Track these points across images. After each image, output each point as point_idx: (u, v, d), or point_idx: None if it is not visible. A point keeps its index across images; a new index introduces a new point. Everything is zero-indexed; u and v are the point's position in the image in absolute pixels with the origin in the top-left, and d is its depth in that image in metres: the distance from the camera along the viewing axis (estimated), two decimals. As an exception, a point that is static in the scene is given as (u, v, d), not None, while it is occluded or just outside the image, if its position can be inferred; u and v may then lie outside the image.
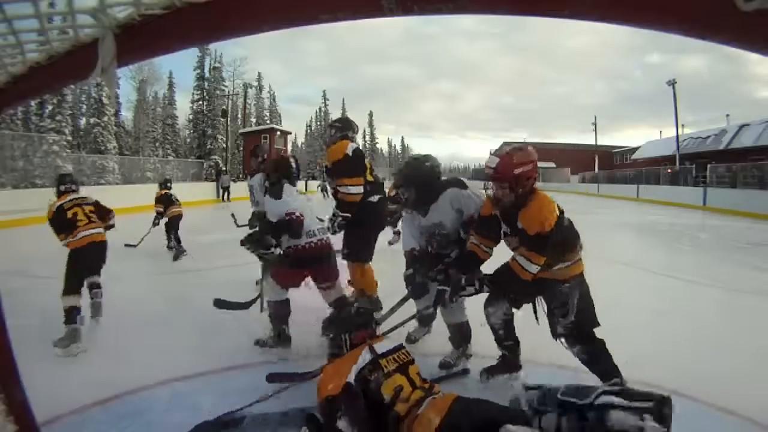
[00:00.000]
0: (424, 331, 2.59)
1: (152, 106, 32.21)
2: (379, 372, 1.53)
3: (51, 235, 2.98)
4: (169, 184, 6.14)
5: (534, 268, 1.80)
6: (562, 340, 1.93)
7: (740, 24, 0.41)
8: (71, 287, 2.69)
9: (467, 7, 0.50)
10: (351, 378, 1.47)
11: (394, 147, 64.14)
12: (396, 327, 1.99)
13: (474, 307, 2.23)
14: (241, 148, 29.95)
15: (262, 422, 1.71)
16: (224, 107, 28.48)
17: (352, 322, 1.75)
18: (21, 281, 4.01)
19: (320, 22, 0.56)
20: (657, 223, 9.71)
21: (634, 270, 4.78)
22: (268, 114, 39.88)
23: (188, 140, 32.44)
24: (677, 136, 21.47)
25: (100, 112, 24.01)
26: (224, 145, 26.93)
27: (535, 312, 2.02)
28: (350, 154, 2.86)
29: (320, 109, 46.08)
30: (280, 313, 2.45)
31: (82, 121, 26.94)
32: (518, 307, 2.04)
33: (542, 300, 1.99)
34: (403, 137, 70.75)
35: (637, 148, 32.26)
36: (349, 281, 3.24)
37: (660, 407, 1.22)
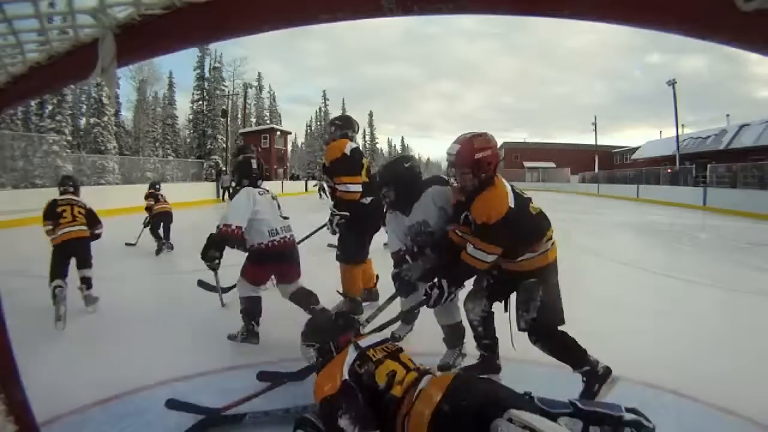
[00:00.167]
0: (408, 329, 2.60)
1: (152, 106, 32.22)
2: (368, 363, 1.53)
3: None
4: (157, 186, 6.35)
5: (485, 256, 1.79)
6: (526, 333, 1.93)
7: (740, 24, 0.41)
8: (55, 274, 3.05)
9: (467, 7, 0.50)
10: (345, 375, 1.46)
11: (394, 147, 64.20)
12: (382, 327, 1.98)
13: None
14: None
15: (263, 419, 1.72)
16: (224, 107, 28.46)
17: (334, 327, 1.74)
18: (21, 281, 4.01)
19: (320, 22, 0.56)
20: (657, 223, 9.72)
21: (634, 270, 4.78)
22: (268, 114, 39.89)
23: (188, 140, 32.44)
24: (677, 136, 21.47)
25: (100, 112, 24.02)
26: (224, 145, 26.92)
27: (506, 306, 2.02)
28: (348, 153, 2.85)
29: (320, 109, 46.11)
30: (250, 309, 2.51)
31: (82, 121, 26.95)
32: (491, 303, 2.03)
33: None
34: (403, 137, 70.89)
35: (637, 148, 32.26)
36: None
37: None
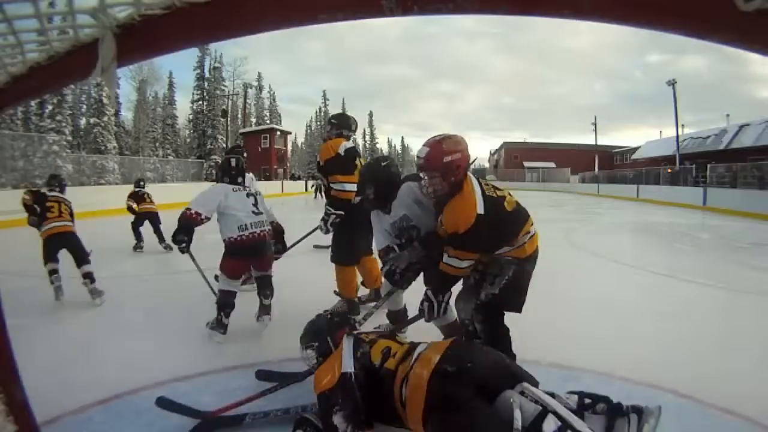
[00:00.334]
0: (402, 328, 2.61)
1: (152, 106, 32.23)
2: (362, 345, 1.54)
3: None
4: (142, 183, 6.34)
5: (458, 263, 1.81)
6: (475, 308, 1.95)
7: (740, 24, 0.41)
8: (47, 258, 3.44)
9: (467, 7, 0.50)
10: (344, 368, 1.45)
11: (394, 147, 64.18)
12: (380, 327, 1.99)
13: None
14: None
15: (263, 420, 1.72)
16: (224, 107, 28.50)
17: (330, 325, 1.75)
18: (21, 281, 4.01)
19: (320, 22, 0.56)
20: (657, 224, 9.71)
21: (634, 270, 4.78)
22: (268, 114, 39.93)
23: (188, 140, 32.46)
24: (677, 136, 21.47)
25: (100, 112, 24.03)
26: (224, 145, 26.94)
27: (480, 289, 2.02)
28: (342, 153, 2.83)
29: (320, 108, 46.18)
30: (222, 301, 2.66)
31: (82, 121, 26.98)
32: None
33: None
34: (402, 137, 70.76)
35: (637, 148, 32.26)
36: (362, 282, 3.23)
37: None
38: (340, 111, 42.20)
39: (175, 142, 32.08)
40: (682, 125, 24.47)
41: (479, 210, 1.76)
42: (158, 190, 7.88)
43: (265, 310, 2.80)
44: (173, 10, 0.57)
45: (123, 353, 2.41)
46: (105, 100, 23.56)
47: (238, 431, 1.71)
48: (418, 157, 1.83)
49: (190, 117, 31.50)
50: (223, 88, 31.85)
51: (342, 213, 2.82)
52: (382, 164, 2.29)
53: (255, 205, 2.77)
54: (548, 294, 3.55)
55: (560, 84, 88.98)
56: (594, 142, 33.04)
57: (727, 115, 26.24)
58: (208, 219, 2.65)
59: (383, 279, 2.40)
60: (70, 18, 0.62)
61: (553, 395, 1.26)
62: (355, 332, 1.65)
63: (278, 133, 31.43)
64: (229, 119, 27.64)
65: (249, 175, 3.64)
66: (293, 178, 29.86)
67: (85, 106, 27.01)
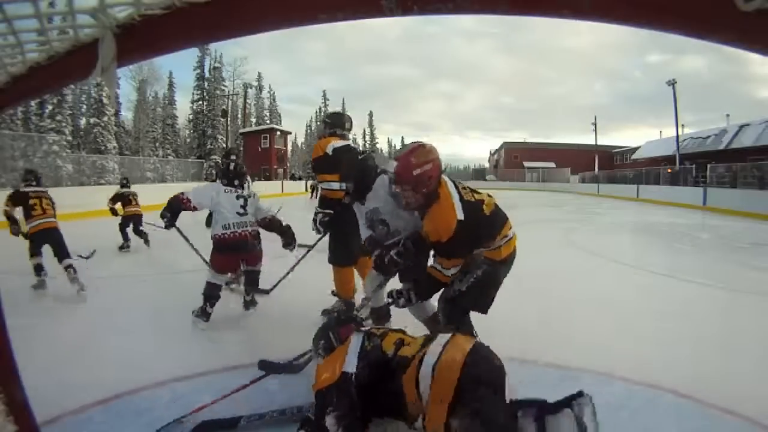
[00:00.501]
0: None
1: (152, 106, 32.23)
2: (373, 338, 1.53)
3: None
4: (126, 182, 6.32)
5: (448, 272, 1.83)
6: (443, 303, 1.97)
7: (740, 24, 0.41)
8: (33, 253, 3.69)
9: (467, 7, 0.50)
10: (346, 367, 1.43)
11: (394, 147, 64.13)
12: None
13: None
14: (242, 148, 29.93)
15: (258, 422, 1.70)
16: (224, 107, 28.50)
17: (335, 321, 1.75)
18: (21, 281, 4.01)
19: (320, 22, 0.56)
20: (657, 224, 9.71)
21: (634, 270, 4.78)
22: (268, 114, 39.93)
23: (188, 140, 32.47)
24: (677, 136, 21.47)
25: (100, 112, 24.03)
26: (224, 145, 26.95)
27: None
28: (330, 152, 2.82)
29: (320, 108, 46.13)
30: (207, 293, 2.88)
31: (82, 121, 26.99)
32: None
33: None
34: (402, 137, 70.41)
35: (637, 148, 32.26)
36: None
37: None
38: (340, 111, 42.25)
39: (175, 142, 32.09)
40: (682, 125, 24.51)
41: (459, 216, 1.74)
42: (158, 190, 7.88)
43: (247, 305, 3.12)
44: (173, 10, 0.57)
45: (123, 353, 2.41)
46: (105, 100, 23.56)
47: None
48: (389, 171, 1.85)
49: (190, 117, 31.50)
50: (223, 88, 31.86)
51: (330, 212, 2.82)
52: (360, 158, 2.38)
53: (243, 207, 3.00)
54: (548, 294, 3.56)
55: (560, 84, 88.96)
56: (594, 142, 33.04)
57: (727, 115, 26.28)
58: (196, 209, 2.93)
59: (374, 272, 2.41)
60: (70, 18, 0.62)
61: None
62: (364, 328, 1.64)
63: (278, 133, 31.43)
64: (229, 119, 27.65)
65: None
66: (293, 178, 29.83)
67: (85, 106, 27.03)
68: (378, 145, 53.91)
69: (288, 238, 3.12)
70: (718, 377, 2.07)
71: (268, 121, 37.11)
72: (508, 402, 1.26)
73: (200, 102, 30.83)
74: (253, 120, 37.71)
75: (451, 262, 1.81)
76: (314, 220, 2.86)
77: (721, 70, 66.45)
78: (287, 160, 34.11)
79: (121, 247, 5.80)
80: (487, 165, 52.74)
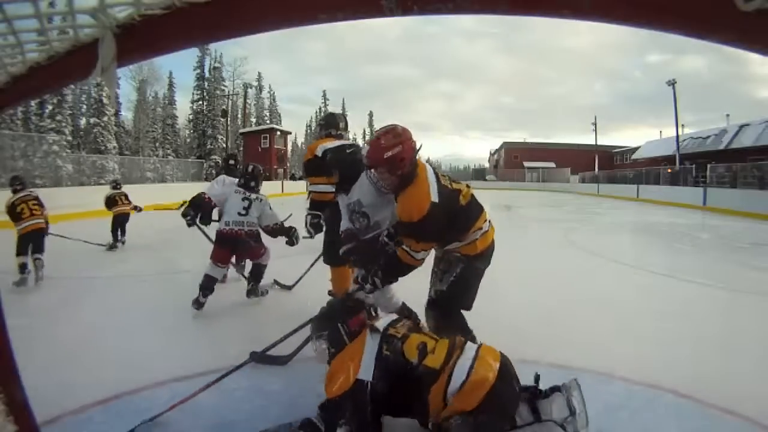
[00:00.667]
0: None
1: (152, 106, 32.23)
2: (393, 341, 1.45)
3: (50, 237, 3.41)
4: (117, 185, 6.48)
5: (417, 255, 1.80)
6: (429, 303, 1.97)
7: (740, 24, 0.41)
8: (20, 252, 3.96)
9: (467, 7, 0.50)
10: (361, 374, 1.36)
11: (394, 147, 64.02)
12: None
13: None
14: (242, 148, 29.93)
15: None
16: (224, 107, 28.48)
17: (343, 309, 1.63)
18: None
19: (320, 22, 0.56)
20: (657, 224, 9.71)
21: (634, 270, 4.78)
22: (268, 114, 39.91)
23: (188, 140, 32.46)
24: (677, 136, 21.47)
25: (100, 112, 24.02)
26: (224, 145, 26.94)
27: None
28: (319, 155, 2.81)
29: (320, 108, 46.11)
30: (203, 283, 3.09)
31: (82, 121, 26.98)
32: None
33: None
34: (403, 137, 70.50)
35: (637, 148, 32.26)
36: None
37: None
38: (340, 111, 42.30)
39: (175, 142, 32.07)
40: (682, 125, 24.52)
41: (433, 198, 1.73)
42: (158, 190, 7.89)
43: (248, 293, 3.37)
44: (173, 10, 0.57)
45: (123, 353, 2.41)
46: (105, 100, 23.56)
47: None
48: (363, 156, 1.85)
49: (190, 117, 31.48)
50: (223, 88, 31.84)
51: (318, 213, 2.82)
52: (347, 151, 2.41)
53: (245, 209, 3.25)
54: (548, 294, 3.56)
55: (560, 84, 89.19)
56: (594, 142, 33.05)
57: (727, 115, 26.28)
58: (216, 206, 3.30)
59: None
60: (70, 18, 0.62)
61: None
62: (376, 323, 1.54)
63: (278, 133, 31.40)
64: (229, 119, 27.63)
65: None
66: (293, 178, 29.81)
67: (85, 106, 27.01)
68: (378, 145, 53.76)
69: (290, 237, 3.36)
70: (718, 377, 2.07)
71: (268, 121, 37.07)
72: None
73: (200, 102, 30.81)
74: (253, 120, 37.69)
75: (420, 245, 1.78)
76: (305, 222, 2.87)
77: (721, 70, 66.61)
78: (287, 160, 34.07)
79: (111, 247, 5.84)
80: (487, 165, 52.74)
